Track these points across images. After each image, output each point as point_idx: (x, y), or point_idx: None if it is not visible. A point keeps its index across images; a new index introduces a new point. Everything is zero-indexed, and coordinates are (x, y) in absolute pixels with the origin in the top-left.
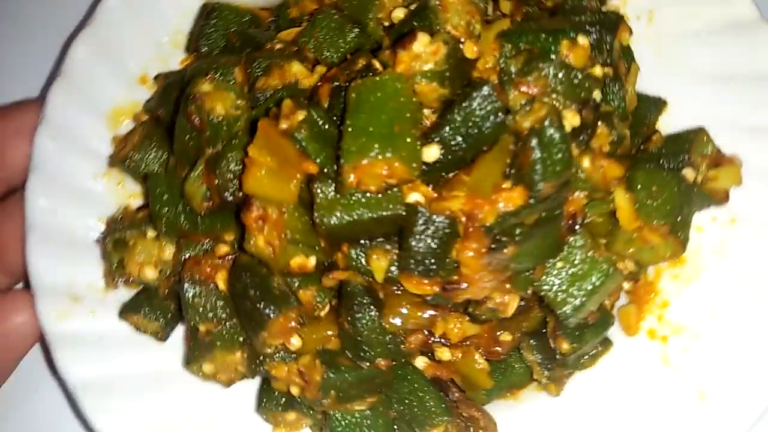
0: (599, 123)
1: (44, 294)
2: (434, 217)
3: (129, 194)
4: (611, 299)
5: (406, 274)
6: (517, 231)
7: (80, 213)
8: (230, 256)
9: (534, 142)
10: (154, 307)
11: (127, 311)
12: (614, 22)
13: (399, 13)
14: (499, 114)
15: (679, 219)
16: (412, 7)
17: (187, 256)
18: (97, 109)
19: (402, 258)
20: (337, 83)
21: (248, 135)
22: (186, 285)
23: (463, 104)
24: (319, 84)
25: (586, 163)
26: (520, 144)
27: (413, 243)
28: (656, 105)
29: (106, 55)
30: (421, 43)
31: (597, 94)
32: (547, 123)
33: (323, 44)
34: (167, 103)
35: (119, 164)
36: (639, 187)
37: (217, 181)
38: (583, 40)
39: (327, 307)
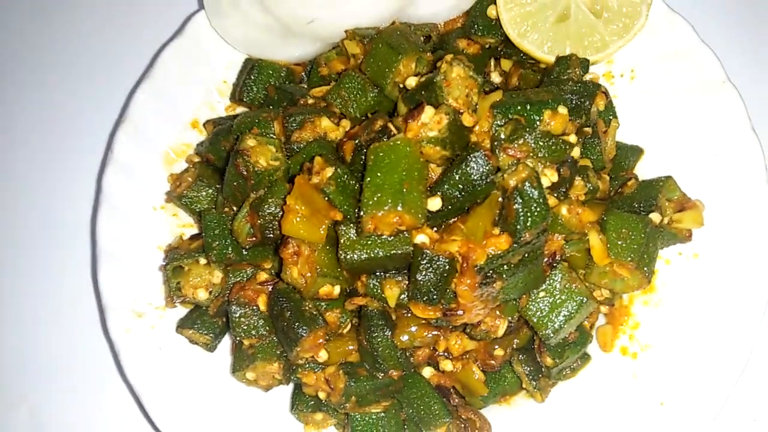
0: (577, 177)
1: (113, 311)
2: (436, 256)
3: (182, 224)
4: (590, 320)
5: (413, 302)
6: (504, 268)
7: (141, 241)
8: (269, 282)
9: (517, 198)
10: (204, 323)
11: (182, 326)
12: (591, 92)
13: (411, 82)
14: (490, 175)
15: (644, 256)
16: (423, 78)
17: (234, 281)
18: (155, 150)
19: (410, 289)
20: (359, 141)
21: (285, 181)
22: (233, 306)
23: (461, 166)
24: (344, 139)
25: (564, 210)
26: (506, 199)
27: (419, 277)
28: (634, 152)
29: (162, 102)
30: (427, 114)
31: (576, 152)
32: (527, 184)
33: (348, 102)
34: (216, 149)
35: (176, 200)
36: (610, 229)
37: (259, 221)
38: (562, 109)
39: (349, 326)
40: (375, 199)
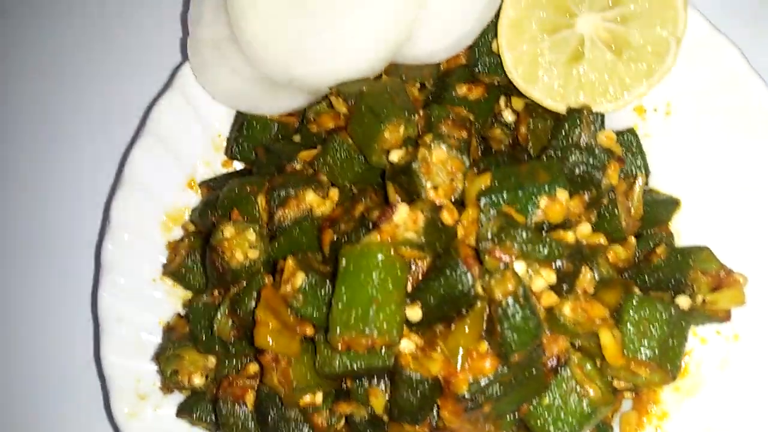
0: (584, 267)
1: (117, 394)
2: (417, 376)
3: (183, 295)
4: (611, 412)
5: (396, 423)
6: (492, 391)
7: (143, 316)
8: (258, 376)
9: (502, 317)
10: (203, 409)
11: (182, 411)
12: (602, 162)
13: (394, 156)
14: (472, 288)
15: (668, 352)
16: (404, 159)
17: (225, 372)
18: (152, 215)
19: (392, 407)
20: (338, 232)
21: (265, 275)
22: (221, 404)
23: (440, 278)
24: (324, 226)
25: (567, 310)
26: (492, 312)
27: (400, 396)
28: (669, 206)
29: (157, 163)
30: (401, 215)
31: (586, 229)
32: (510, 302)
33: (335, 170)
34: (206, 222)
35: (171, 276)
36: (628, 319)
37: (239, 319)
38: (561, 194)
39: (342, 422)
40: (343, 319)
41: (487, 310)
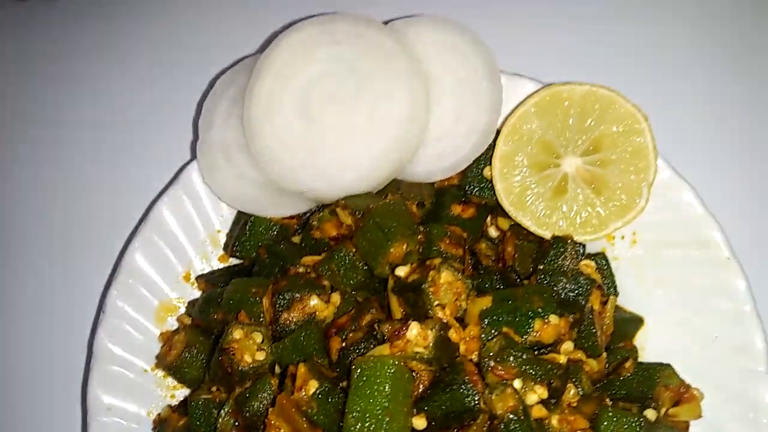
0: (569, 383)
1: None
2: None
3: (173, 386)
4: None
5: None
6: None
7: (131, 408)
8: None
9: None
10: None
11: None
12: (587, 289)
13: (400, 272)
14: (476, 402)
15: None
16: (414, 273)
17: None
18: (147, 306)
19: None
20: (344, 339)
21: (270, 376)
22: None
23: (447, 389)
24: (331, 330)
25: (554, 422)
26: (493, 425)
27: None
28: (634, 323)
29: (154, 257)
30: (413, 332)
31: (569, 346)
32: (512, 417)
33: (338, 276)
34: (206, 318)
35: (165, 369)
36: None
37: (243, 420)
38: (554, 320)
39: None
40: (357, 428)
41: (488, 422)
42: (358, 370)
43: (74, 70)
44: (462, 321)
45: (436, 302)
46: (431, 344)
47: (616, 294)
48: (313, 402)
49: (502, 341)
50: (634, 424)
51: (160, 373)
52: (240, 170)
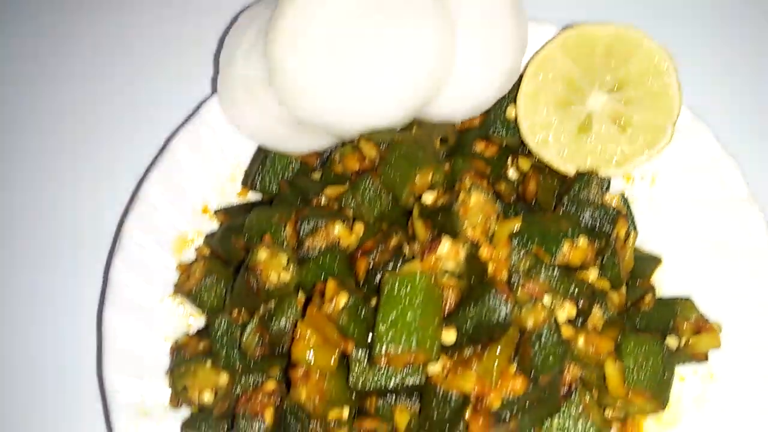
0: (595, 306)
1: (119, 410)
2: (449, 393)
3: (190, 314)
4: None
5: None
6: (519, 408)
7: (148, 334)
8: (276, 394)
9: (534, 343)
10: (209, 425)
11: (187, 427)
12: (613, 218)
13: (428, 197)
14: (507, 314)
15: (660, 384)
16: (440, 198)
17: (241, 387)
18: (164, 237)
19: (420, 420)
20: (372, 259)
21: (296, 295)
22: (239, 419)
23: (478, 301)
24: (357, 253)
25: (581, 342)
26: (523, 338)
27: (430, 412)
28: (651, 262)
29: (172, 188)
30: (445, 248)
31: (593, 274)
32: (545, 329)
33: (362, 207)
34: (227, 246)
35: (183, 295)
36: (627, 355)
37: (268, 336)
38: (582, 242)
39: None
40: (389, 336)
41: (517, 336)
42: (389, 283)
43: None
44: (491, 244)
45: (467, 223)
46: (462, 261)
47: (636, 232)
48: (344, 313)
49: (531, 259)
50: (656, 350)
51: (176, 300)
52: (262, 105)
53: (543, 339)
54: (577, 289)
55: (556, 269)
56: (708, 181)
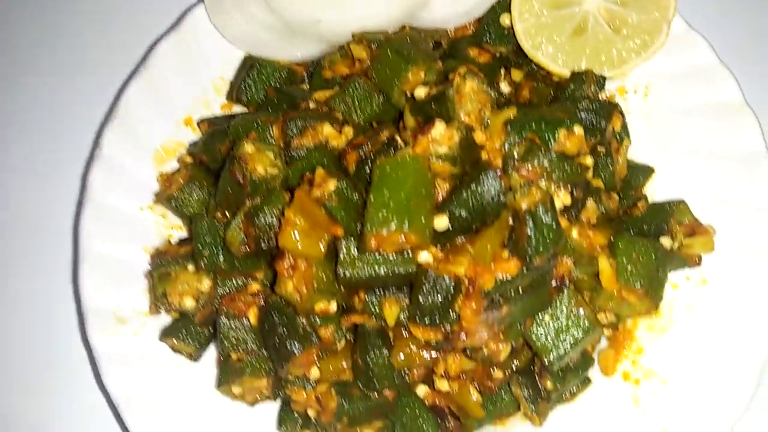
0: (589, 199)
1: (93, 315)
2: (440, 277)
3: (170, 226)
4: (592, 344)
5: (414, 324)
6: (512, 293)
7: (127, 242)
8: (261, 294)
9: (529, 222)
10: (189, 332)
11: (166, 334)
12: (608, 111)
13: (420, 92)
14: (501, 195)
15: (653, 282)
16: (433, 90)
17: (223, 290)
18: (144, 148)
19: (411, 309)
20: (363, 152)
21: (283, 190)
22: (222, 319)
23: (472, 184)
24: (347, 149)
25: (574, 233)
26: (517, 221)
27: (421, 298)
28: (644, 172)
29: (154, 98)
30: (438, 130)
31: (588, 174)
32: (540, 208)
33: (352, 108)
34: (211, 151)
35: (165, 202)
36: (620, 253)
37: (253, 231)
38: (578, 130)
39: (343, 343)
40: (380, 216)
41: (510, 221)
42: (379, 170)
43: None
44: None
45: (461, 109)
46: (456, 144)
47: (629, 140)
48: (334, 196)
49: (527, 144)
50: (649, 248)
51: (157, 212)
52: (250, 10)
53: (539, 218)
54: (572, 177)
55: (552, 154)
56: (702, 88)
